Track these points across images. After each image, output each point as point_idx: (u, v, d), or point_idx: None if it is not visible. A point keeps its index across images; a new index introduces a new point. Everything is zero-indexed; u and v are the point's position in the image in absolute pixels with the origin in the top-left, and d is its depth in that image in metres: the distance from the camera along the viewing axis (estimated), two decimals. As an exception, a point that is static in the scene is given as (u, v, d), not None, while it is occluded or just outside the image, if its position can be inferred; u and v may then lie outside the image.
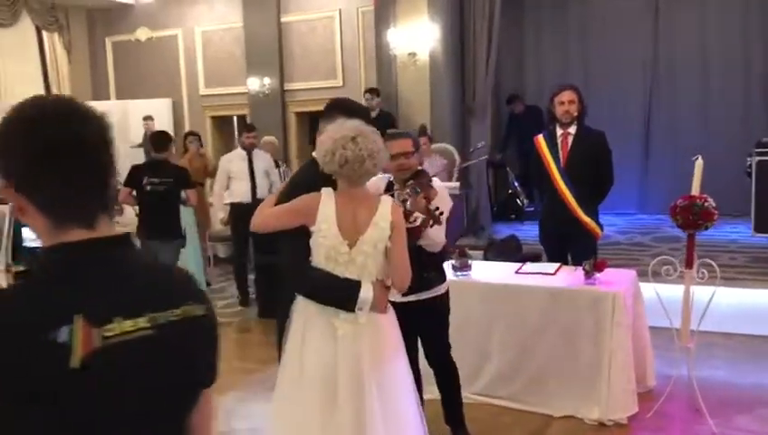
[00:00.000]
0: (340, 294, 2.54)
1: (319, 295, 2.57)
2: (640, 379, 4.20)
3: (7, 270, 6.40)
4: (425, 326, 3.53)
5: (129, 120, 12.09)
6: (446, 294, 3.61)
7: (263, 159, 6.76)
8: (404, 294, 3.33)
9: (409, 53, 7.76)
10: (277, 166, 9.26)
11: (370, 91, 7.77)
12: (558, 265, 4.47)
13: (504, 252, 6.24)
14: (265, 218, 2.66)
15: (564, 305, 4.05)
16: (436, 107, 7.73)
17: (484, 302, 4.25)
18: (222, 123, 12.73)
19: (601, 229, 4.95)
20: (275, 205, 2.70)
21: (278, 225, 2.63)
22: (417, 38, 7.70)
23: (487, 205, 8.32)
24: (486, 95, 7.97)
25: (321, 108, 10.32)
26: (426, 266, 3.33)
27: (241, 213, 6.36)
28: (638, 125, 9.62)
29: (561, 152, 4.86)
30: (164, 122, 12.15)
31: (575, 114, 4.79)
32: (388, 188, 3.31)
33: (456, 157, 7.39)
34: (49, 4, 12.25)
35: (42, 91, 12.27)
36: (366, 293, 2.52)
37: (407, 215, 2.83)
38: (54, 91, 12.53)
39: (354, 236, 2.54)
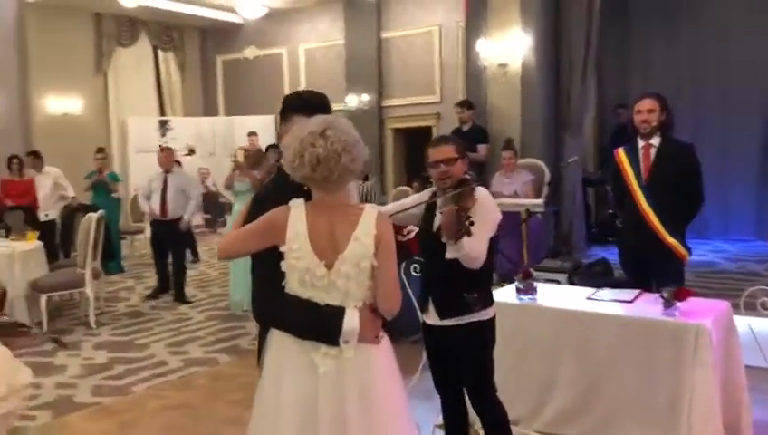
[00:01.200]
0: (319, 324, 2.07)
1: (294, 328, 2.10)
2: (732, 427, 3.62)
3: (95, 276, 6.63)
4: (463, 357, 3.06)
5: (235, 136, 12.46)
6: (491, 322, 3.08)
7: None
8: (441, 317, 3.03)
9: (500, 65, 7.43)
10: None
11: (461, 103, 7.50)
12: (638, 291, 3.99)
13: (591, 276, 5.73)
14: (229, 244, 2.18)
15: (638, 338, 3.56)
16: (527, 120, 7.33)
17: (551, 329, 3.84)
18: (322, 139, 12.86)
19: (689, 252, 4.40)
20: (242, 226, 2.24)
21: (244, 249, 2.17)
22: (509, 48, 7.36)
23: (582, 225, 7.78)
24: (582, 108, 7.47)
25: (418, 124, 10.15)
26: (466, 285, 2.95)
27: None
28: (755, 143, 8.73)
29: (642, 166, 4.37)
30: (267, 138, 12.43)
31: (654, 124, 4.29)
32: (432, 199, 3.02)
33: (546, 172, 6.95)
34: (165, 24, 12.91)
35: (156, 107, 12.92)
36: (350, 321, 2.05)
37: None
38: (167, 107, 13.18)
39: (332, 256, 2.06)
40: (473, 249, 2.82)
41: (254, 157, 7.09)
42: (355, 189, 5.13)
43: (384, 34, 11.62)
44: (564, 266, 6.00)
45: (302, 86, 12.72)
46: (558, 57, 7.55)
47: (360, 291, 2.09)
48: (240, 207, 6.94)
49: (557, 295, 4.14)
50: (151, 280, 8.14)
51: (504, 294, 4.00)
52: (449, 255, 2.85)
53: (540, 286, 4.17)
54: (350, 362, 2.06)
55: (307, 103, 2.34)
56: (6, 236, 6.86)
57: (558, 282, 6.02)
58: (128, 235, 10.49)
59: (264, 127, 12.51)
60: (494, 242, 2.99)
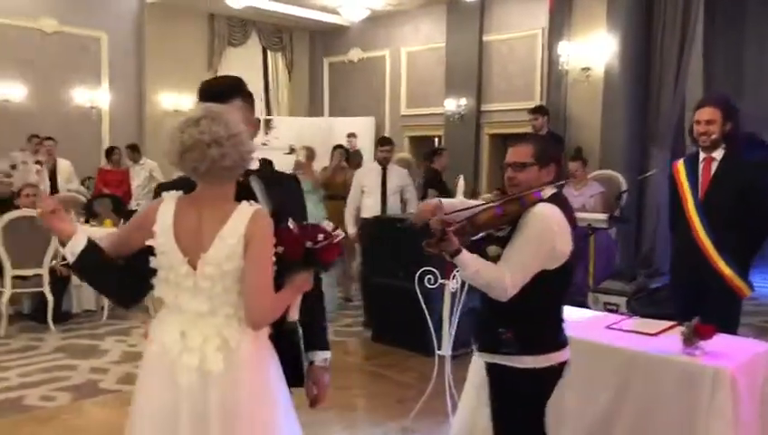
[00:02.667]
0: None
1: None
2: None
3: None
4: (492, 403, 2.55)
5: (335, 137, 12.57)
6: (532, 375, 2.45)
7: (398, 175, 6.46)
8: (477, 348, 2.61)
9: (582, 68, 6.92)
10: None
11: (535, 110, 7.06)
12: (665, 324, 3.49)
13: (652, 303, 5.19)
14: (112, 240, 2.04)
15: (644, 377, 3.11)
16: (608, 128, 6.77)
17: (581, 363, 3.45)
18: (420, 143, 12.69)
19: (751, 288, 3.82)
20: None
21: (126, 246, 2.01)
22: (593, 51, 6.84)
23: (667, 246, 7.06)
24: (673, 116, 6.76)
25: (516, 130, 9.71)
26: (501, 319, 2.45)
27: (371, 228, 6.14)
28: None
29: (700, 182, 3.85)
30: (366, 140, 12.46)
31: (715, 136, 3.75)
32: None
33: (623, 186, 6.36)
34: (276, 26, 13.28)
35: (262, 106, 13.32)
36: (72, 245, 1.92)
37: (310, 232, 2.02)
38: (274, 106, 13.55)
39: (197, 255, 1.90)
40: (484, 274, 2.34)
41: (314, 156, 7.05)
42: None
43: (486, 37, 11.26)
44: (625, 290, 5.48)
45: (403, 89, 12.63)
46: (647, 61, 6.90)
47: (228, 296, 1.91)
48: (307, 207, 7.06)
49: (574, 321, 3.73)
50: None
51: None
52: (461, 273, 2.46)
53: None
54: (215, 377, 1.88)
55: (207, 92, 2.15)
56: (87, 221, 7.26)
57: (616, 307, 5.52)
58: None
59: (363, 128, 12.54)
60: (553, 275, 2.42)
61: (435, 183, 7.65)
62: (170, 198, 1.98)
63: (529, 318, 2.45)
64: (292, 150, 12.47)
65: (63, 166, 8.73)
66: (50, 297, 5.99)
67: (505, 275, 2.33)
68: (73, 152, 9.51)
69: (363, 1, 11.47)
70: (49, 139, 8.77)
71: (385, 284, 5.69)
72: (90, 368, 5.13)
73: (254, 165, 2.15)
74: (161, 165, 9.61)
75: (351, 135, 11.84)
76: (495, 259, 2.41)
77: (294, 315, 2.11)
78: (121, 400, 4.49)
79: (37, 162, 7.35)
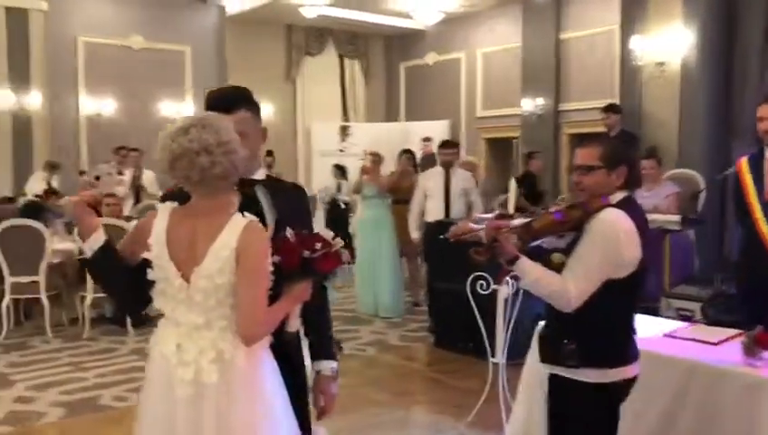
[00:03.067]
0: None
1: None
2: None
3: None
4: (550, 418, 2.44)
5: (410, 141, 12.57)
6: (593, 390, 2.30)
7: (462, 178, 6.37)
8: (541, 359, 2.46)
9: (657, 63, 6.61)
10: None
11: (607, 108, 6.77)
12: (729, 332, 3.26)
13: (728, 310, 4.85)
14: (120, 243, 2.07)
15: (703, 389, 2.91)
16: (686, 125, 6.41)
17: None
18: (497, 145, 12.51)
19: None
20: None
21: (128, 254, 2.02)
22: (668, 45, 6.52)
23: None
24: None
25: (595, 130, 9.40)
26: (565, 330, 2.31)
27: (434, 233, 6.08)
28: None
29: (765, 181, 3.60)
30: (442, 143, 12.41)
31: (779, 134, 3.50)
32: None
33: (701, 185, 6.02)
34: (352, 33, 13.45)
35: (339, 112, 13.51)
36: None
37: (309, 242, 1.96)
38: (351, 113, 13.71)
39: (190, 268, 1.88)
40: (545, 283, 2.24)
41: (381, 161, 7.06)
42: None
43: (563, 35, 10.98)
44: (701, 295, 5.17)
45: (478, 90, 12.50)
46: (728, 53, 6.51)
47: (222, 309, 1.89)
48: (370, 212, 7.07)
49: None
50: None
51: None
52: (521, 282, 2.36)
53: None
54: (209, 388, 1.86)
55: (211, 103, 2.12)
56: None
57: (690, 314, 5.21)
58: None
59: (439, 132, 12.47)
60: (620, 284, 2.25)
61: (529, 187, 7.53)
62: (164, 210, 1.97)
63: (594, 329, 2.29)
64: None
65: (148, 176, 9.12)
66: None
67: (569, 285, 2.22)
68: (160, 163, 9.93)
69: (436, 4, 11.44)
70: (135, 150, 9.20)
71: (448, 288, 5.61)
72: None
73: (261, 175, 2.15)
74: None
75: (427, 139, 11.79)
76: (560, 268, 2.29)
77: (294, 326, 2.08)
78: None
79: (119, 173, 7.73)
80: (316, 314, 2.25)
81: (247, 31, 12.29)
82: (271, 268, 1.90)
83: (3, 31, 10.02)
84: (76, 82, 10.91)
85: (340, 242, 2.05)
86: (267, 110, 12.84)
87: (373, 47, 14.01)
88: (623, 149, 2.44)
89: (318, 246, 1.97)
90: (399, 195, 7.11)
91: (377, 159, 7.16)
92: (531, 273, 2.27)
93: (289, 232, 1.98)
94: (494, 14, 12.04)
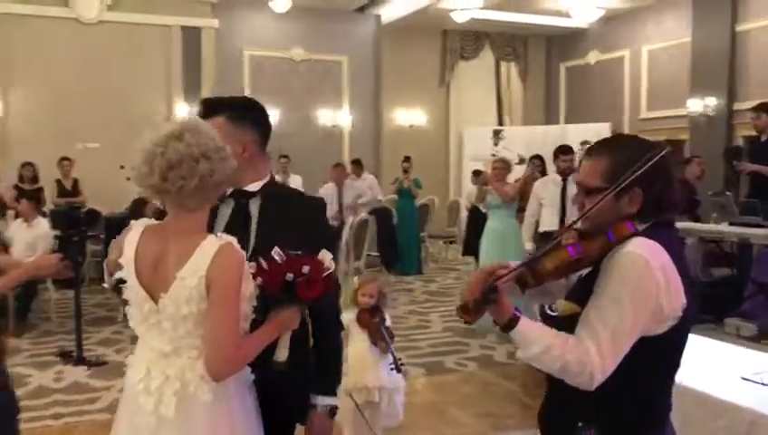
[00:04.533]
0: None
1: None
2: None
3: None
4: None
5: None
6: None
7: (581, 187, 5.87)
8: None
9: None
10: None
11: (757, 107, 5.91)
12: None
13: None
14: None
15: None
16: None
17: (687, 415, 2.86)
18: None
19: None
20: None
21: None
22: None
23: None
24: None
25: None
26: (581, 410, 1.71)
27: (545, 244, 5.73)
28: None
29: None
30: (602, 147, 11.69)
31: None
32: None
33: None
34: (509, 35, 13.11)
35: (494, 117, 13.24)
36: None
37: (296, 264, 1.76)
38: (506, 117, 13.37)
39: (158, 293, 1.73)
40: (557, 354, 1.61)
41: (508, 168, 6.75)
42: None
43: (739, 27, 9.85)
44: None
45: (643, 90, 11.61)
46: None
47: (191, 339, 1.74)
48: (494, 223, 6.79)
49: (703, 363, 3.07)
50: (440, 281, 8.44)
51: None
52: (522, 353, 1.70)
53: (700, 346, 3.16)
54: (167, 421, 1.74)
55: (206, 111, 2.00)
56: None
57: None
58: (440, 238, 11.02)
59: (599, 135, 11.74)
60: (656, 344, 1.64)
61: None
62: (137, 227, 1.82)
63: (620, 408, 1.69)
64: (521, 160, 12.21)
65: (294, 180, 9.60)
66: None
67: (590, 354, 1.58)
68: (318, 169, 10.38)
69: (596, 1, 10.79)
70: (283, 157, 9.73)
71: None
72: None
73: (255, 187, 2.02)
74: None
75: (585, 143, 11.16)
76: (568, 323, 1.67)
77: (282, 355, 1.88)
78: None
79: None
80: (322, 338, 2.08)
81: (402, 38, 12.45)
82: (253, 292, 1.77)
83: (179, 48, 11.04)
84: (242, 93, 11.72)
85: (332, 267, 1.84)
86: (419, 116, 12.94)
87: (532, 48, 13.55)
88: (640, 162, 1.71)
89: (305, 269, 1.77)
90: (525, 202, 6.75)
91: (503, 165, 6.81)
92: (536, 341, 1.63)
93: (276, 252, 1.81)
94: (661, 8, 11.12)
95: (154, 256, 1.75)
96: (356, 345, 3.69)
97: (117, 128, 10.36)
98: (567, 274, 1.75)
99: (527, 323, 1.65)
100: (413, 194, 9.69)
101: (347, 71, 12.29)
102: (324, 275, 1.82)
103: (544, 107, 13.78)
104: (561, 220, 5.74)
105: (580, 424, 1.70)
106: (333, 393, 2.08)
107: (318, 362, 2.08)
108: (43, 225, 6.81)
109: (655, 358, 1.65)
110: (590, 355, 1.58)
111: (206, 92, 11.21)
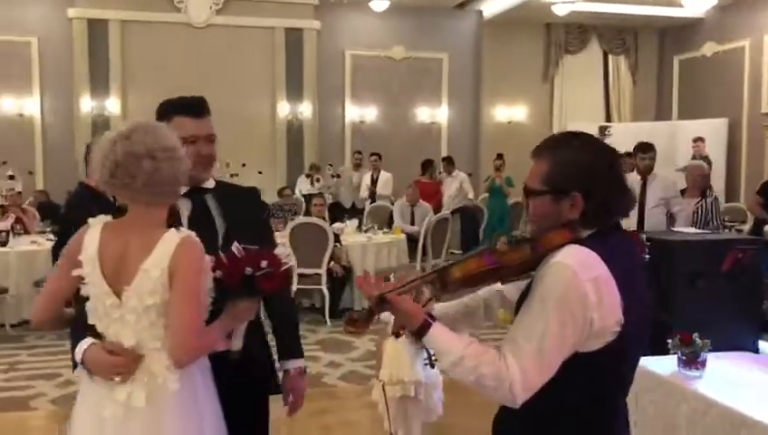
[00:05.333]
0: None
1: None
2: None
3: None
4: None
5: (678, 142, 11.34)
6: None
7: (661, 187, 5.48)
8: None
9: None
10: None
11: None
12: None
13: None
14: (37, 305, 1.92)
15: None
16: None
17: (694, 427, 2.63)
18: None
19: None
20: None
21: (51, 301, 1.89)
22: None
23: None
24: None
25: None
26: (519, 423, 1.63)
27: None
28: None
29: None
30: (716, 145, 10.96)
31: None
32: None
33: None
34: (618, 28, 12.54)
35: (601, 112, 12.74)
36: (78, 352, 1.81)
37: (255, 259, 1.80)
38: (614, 112, 12.82)
39: (122, 286, 1.78)
40: (471, 365, 1.52)
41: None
42: None
43: None
44: None
45: (765, 83, 10.72)
46: None
47: (154, 330, 1.79)
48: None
49: (738, 379, 2.81)
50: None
51: (666, 362, 2.94)
52: (439, 364, 1.66)
53: (725, 362, 2.93)
54: (137, 412, 1.80)
55: (177, 108, 2.12)
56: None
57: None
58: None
59: (714, 132, 11.06)
60: (595, 360, 1.54)
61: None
62: (97, 224, 1.85)
63: (559, 427, 1.59)
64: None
65: (384, 177, 9.71)
66: (326, 294, 6.77)
67: (510, 367, 1.49)
68: (414, 166, 10.44)
69: (710, -12, 10.11)
70: (374, 154, 9.88)
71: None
72: (328, 361, 5.66)
73: (210, 184, 2.15)
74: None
75: (698, 139, 10.56)
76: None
77: (237, 345, 1.99)
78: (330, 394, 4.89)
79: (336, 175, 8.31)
80: (282, 314, 2.27)
81: (503, 33, 12.23)
82: (210, 285, 1.83)
83: (282, 49, 11.44)
84: (343, 92, 11.98)
85: (290, 262, 1.96)
86: (521, 112, 12.67)
87: (643, 41, 12.88)
88: (581, 165, 1.59)
89: (264, 263, 1.83)
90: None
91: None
92: (451, 349, 1.54)
93: (236, 247, 1.87)
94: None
95: (117, 251, 1.80)
96: (393, 340, 3.70)
97: (223, 127, 10.85)
98: (480, 283, 1.69)
99: (440, 330, 1.57)
100: (505, 192, 9.51)
101: (447, 68, 12.24)
102: (283, 269, 1.87)
103: (656, 102, 13.07)
104: (640, 223, 5.44)
105: None
106: (300, 356, 2.27)
107: (280, 334, 2.26)
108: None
109: (587, 375, 1.54)
110: (510, 370, 1.48)
111: (308, 92, 11.58)
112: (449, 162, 9.92)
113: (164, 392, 1.80)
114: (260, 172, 10.38)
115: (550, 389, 1.51)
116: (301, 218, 6.91)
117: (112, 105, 10.87)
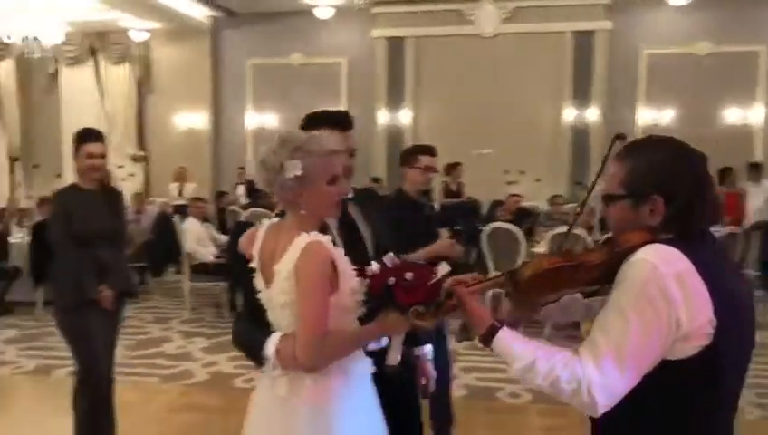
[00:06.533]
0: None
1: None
2: None
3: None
4: None
5: None
6: None
7: None
8: None
9: None
10: None
11: None
12: None
13: None
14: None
15: None
16: None
17: None
18: None
19: None
20: None
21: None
22: None
23: None
24: None
25: None
26: None
27: None
28: None
29: None
30: None
31: None
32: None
33: None
34: None
35: None
36: (268, 347, 1.88)
37: (401, 271, 1.75)
38: None
39: (269, 283, 1.89)
40: (543, 371, 1.43)
41: None
42: None
43: None
44: None
45: None
46: None
47: (294, 328, 1.87)
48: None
49: None
50: None
51: None
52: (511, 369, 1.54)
53: None
54: (281, 401, 1.89)
55: (336, 118, 2.26)
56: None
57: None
58: None
59: None
60: (686, 369, 1.42)
61: None
62: (265, 224, 1.99)
63: None
64: None
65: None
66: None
67: (587, 369, 1.39)
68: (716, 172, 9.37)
69: None
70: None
71: None
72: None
73: (350, 194, 2.20)
74: None
75: None
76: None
77: (394, 359, 1.94)
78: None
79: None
80: None
81: None
82: (357, 288, 1.87)
83: (569, 53, 11.15)
84: (635, 93, 11.22)
85: (438, 276, 1.79)
86: None
87: None
88: (661, 166, 1.49)
89: (408, 275, 1.78)
90: None
91: None
92: (520, 355, 1.46)
93: (388, 258, 1.87)
94: None
95: (269, 251, 1.91)
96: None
97: (506, 134, 11.03)
98: (555, 288, 1.58)
99: (509, 334, 1.50)
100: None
101: (766, 62, 10.72)
102: (431, 283, 1.78)
103: None
104: None
105: None
106: (428, 341, 2.45)
107: None
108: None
109: (685, 387, 1.42)
110: (587, 370, 1.38)
111: (597, 96, 11.11)
112: (755, 168, 8.68)
113: (301, 387, 1.87)
114: (537, 180, 10.25)
115: (637, 403, 1.41)
116: (494, 224, 6.95)
117: (405, 116, 11.68)
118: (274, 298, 1.89)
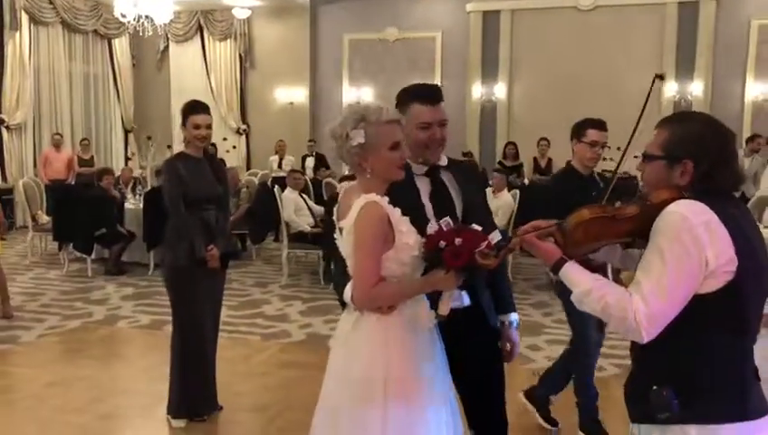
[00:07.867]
0: (338, 289, 2.22)
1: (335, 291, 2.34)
2: None
3: None
4: None
5: None
6: None
7: None
8: (630, 416, 1.91)
9: None
10: None
11: None
12: None
13: None
14: None
15: None
16: None
17: None
18: None
19: None
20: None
21: None
22: None
23: None
24: None
25: None
26: (655, 372, 1.77)
27: None
28: None
29: None
30: None
31: None
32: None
33: None
34: None
35: None
36: (347, 292, 2.11)
37: (451, 234, 1.95)
38: None
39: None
40: (598, 297, 1.71)
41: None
42: None
43: None
44: None
45: None
46: None
47: None
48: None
49: None
50: None
51: None
52: (572, 296, 1.81)
53: None
54: (346, 334, 2.16)
55: (427, 92, 2.41)
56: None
57: None
58: None
59: None
60: (715, 301, 1.66)
61: None
62: (344, 186, 2.30)
63: (691, 369, 1.71)
64: None
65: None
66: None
67: (634, 305, 1.65)
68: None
69: None
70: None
71: None
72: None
73: (443, 161, 2.39)
74: None
75: None
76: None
77: (444, 310, 2.08)
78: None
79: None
80: (494, 276, 2.42)
81: None
82: (411, 244, 2.04)
83: (674, 24, 10.75)
84: (744, 66, 10.71)
85: (489, 242, 1.97)
86: None
87: None
88: (697, 136, 1.77)
89: (458, 241, 1.96)
90: None
91: None
92: (579, 283, 1.76)
93: (445, 221, 2.06)
94: None
95: (344, 211, 2.12)
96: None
97: (603, 109, 10.74)
98: (598, 237, 1.82)
99: (573, 267, 1.80)
100: None
101: None
102: (479, 249, 1.94)
103: None
104: None
105: (654, 387, 1.73)
106: (515, 310, 2.54)
107: (497, 290, 2.51)
108: (506, 197, 7.77)
109: (712, 316, 1.68)
110: (633, 300, 1.65)
111: (701, 69, 10.69)
112: None
113: (363, 323, 2.11)
114: (636, 157, 9.98)
115: (682, 332, 1.68)
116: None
117: (500, 90, 11.64)
118: (344, 250, 2.13)
